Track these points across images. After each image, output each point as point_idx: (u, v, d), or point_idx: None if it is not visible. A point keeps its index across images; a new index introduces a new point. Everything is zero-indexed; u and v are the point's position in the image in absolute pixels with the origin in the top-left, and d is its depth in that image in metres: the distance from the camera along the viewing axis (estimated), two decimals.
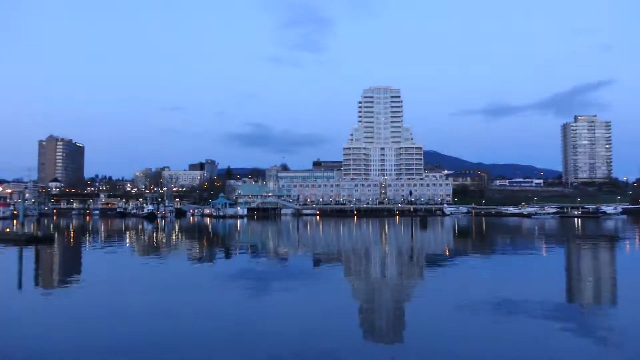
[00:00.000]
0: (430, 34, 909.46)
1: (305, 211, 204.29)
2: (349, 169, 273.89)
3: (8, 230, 72.16)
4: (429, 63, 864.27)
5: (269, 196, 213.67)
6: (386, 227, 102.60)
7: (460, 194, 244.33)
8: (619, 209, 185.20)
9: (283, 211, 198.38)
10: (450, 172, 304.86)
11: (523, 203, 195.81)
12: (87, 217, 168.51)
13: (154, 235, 76.71)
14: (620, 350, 15.51)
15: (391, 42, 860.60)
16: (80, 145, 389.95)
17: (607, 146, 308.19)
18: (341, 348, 15.70)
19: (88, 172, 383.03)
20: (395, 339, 17.35)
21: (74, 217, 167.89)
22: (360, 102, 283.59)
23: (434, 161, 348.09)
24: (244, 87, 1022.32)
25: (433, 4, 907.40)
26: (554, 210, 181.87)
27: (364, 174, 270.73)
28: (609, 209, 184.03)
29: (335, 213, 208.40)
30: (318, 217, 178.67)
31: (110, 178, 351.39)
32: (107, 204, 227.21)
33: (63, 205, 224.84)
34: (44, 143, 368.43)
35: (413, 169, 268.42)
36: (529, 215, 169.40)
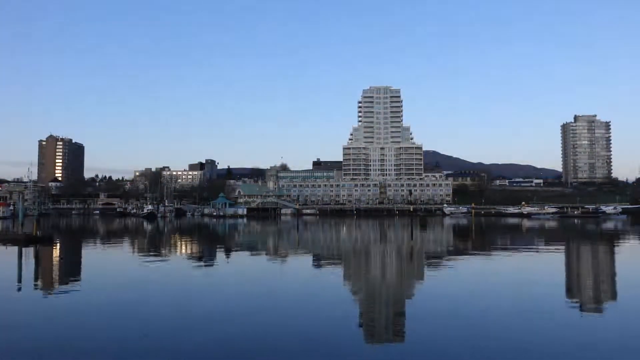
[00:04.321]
0: (432, 32, 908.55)
1: (305, 211, 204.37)
2: (349, 169, 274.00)
3: (8, 230, 72.25)
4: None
5: (269, 196, 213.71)
6: (386, 227, 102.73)
7: (460, 194, 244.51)
8: (619, 209, 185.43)
9: (283, 211, 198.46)
10: (450, 172, 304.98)
11: (523, 203, 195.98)
12: (87, 217, 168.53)
13: (154, 235, 76.79)
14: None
15: (391, 41, 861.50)
16: (80, 144, 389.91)
17: (607, 146, 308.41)
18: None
19: (88, 172, 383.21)
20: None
21: (74, 217, 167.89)
22: (360, 102, 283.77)
23: (433, 161, 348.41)
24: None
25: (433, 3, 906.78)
26: (554, 210, 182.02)
27: (364, 173, 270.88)
28: (608, 209, 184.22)
29: (335, 213, 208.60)
30: (317, 217, 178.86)
31: (110, 178, 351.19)
32: (107, 203, 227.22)
33: (63, 205, 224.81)
34: (43, 143, 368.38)
35: (413, 169, 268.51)
36: (528, 215, 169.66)
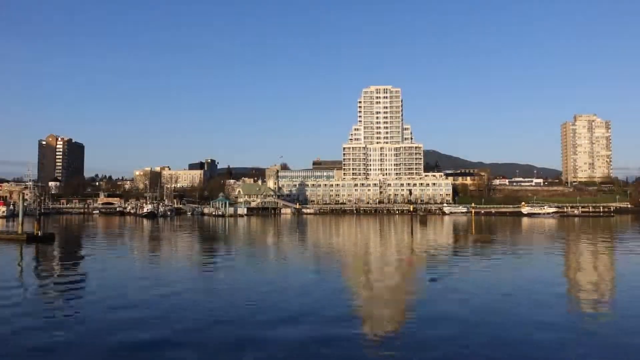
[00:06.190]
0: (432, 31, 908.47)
1: (305, 210, 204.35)
2: (349, 169, 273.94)
3: (9, 229, 72.30)
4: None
5: (269, 195, 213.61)
6: (385, 225, 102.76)
7: (461, 194, 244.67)
8: None
9: (283, 210, 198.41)
10: (450, 171, 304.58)
11: (523, 202, 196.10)
12: (87, 217, 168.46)
13: (153, 234, 76.87)
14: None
15: (392, 41, 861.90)
16: (81, 144, 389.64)
17: (607, 146, 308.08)
18: None
19: (88, 172, 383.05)
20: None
21: (74, 217, 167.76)
22: (360, 102, 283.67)
23: (433, 161, 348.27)
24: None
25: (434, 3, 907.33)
26: (554, 209, 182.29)
27: (364, 173, 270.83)
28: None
29: (335, 212, 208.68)
30: (317, 216, 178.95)
31: (110, 177, 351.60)
32: (107, 203, 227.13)
33: (63, 204, 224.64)
34: (43, 142, 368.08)
35: (413, 168, 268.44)
36: (528, 215, 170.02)
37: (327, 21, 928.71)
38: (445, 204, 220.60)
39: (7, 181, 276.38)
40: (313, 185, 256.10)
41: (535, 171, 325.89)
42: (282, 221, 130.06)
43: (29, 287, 27.82)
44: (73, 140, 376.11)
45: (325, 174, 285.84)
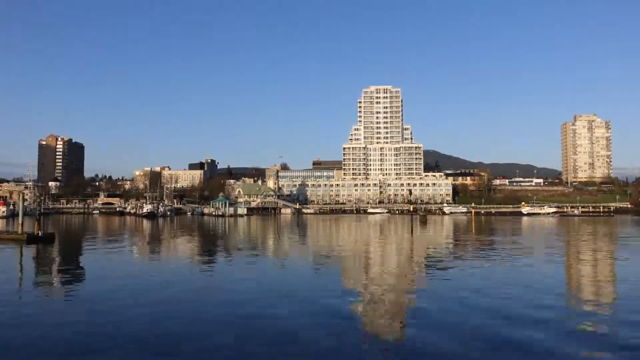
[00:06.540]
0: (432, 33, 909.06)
1: (305, 210, 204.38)
2: (349, 169, 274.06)
3: (9, 229, 72.23)
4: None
5: (269, 195, 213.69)
6: (386, 225, 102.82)
7: (461, 194, 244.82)
8: None
9: (283, 210, 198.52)
10: (450, 171, 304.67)
11: (523, 202, 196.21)
12: (87, 217, 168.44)
13: (153, 234, 76.87)
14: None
15: (392, 41, 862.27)
16: (81, 144, 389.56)
17: (607, 146, 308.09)
18: None
19: (88, 172, 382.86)
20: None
21: (74, 217, 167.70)
22: (360, 102, 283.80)
23: (433, 161, 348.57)
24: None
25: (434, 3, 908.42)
26: (554, 210, 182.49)
27: (364, 173, 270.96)
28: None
29: (335, 212, 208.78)
30: (317, 216, 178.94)
31: (110, 177, 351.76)
32: (107, 203, 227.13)
33: (63, 204, 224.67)
34: (43, 143, 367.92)
35: (413, 168, 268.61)
36: (528, 215, 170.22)
37: (328, 21, 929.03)
38: (445, 204, 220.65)
39: (7, 181, 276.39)
40: (313, 185, 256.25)
41: (535, 171, 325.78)
42: (282, 221, 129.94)
43: (29, 287, 27.82)
44: (73, 140, 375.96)
45: (325, 174, 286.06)
